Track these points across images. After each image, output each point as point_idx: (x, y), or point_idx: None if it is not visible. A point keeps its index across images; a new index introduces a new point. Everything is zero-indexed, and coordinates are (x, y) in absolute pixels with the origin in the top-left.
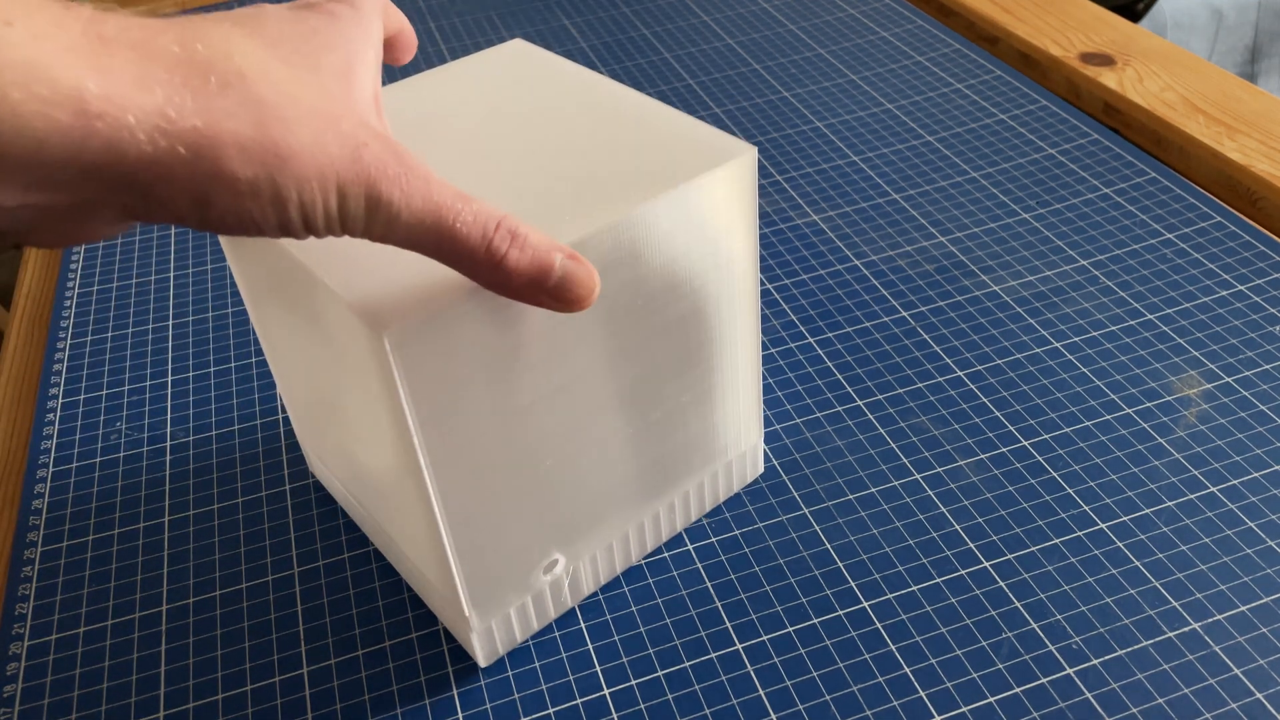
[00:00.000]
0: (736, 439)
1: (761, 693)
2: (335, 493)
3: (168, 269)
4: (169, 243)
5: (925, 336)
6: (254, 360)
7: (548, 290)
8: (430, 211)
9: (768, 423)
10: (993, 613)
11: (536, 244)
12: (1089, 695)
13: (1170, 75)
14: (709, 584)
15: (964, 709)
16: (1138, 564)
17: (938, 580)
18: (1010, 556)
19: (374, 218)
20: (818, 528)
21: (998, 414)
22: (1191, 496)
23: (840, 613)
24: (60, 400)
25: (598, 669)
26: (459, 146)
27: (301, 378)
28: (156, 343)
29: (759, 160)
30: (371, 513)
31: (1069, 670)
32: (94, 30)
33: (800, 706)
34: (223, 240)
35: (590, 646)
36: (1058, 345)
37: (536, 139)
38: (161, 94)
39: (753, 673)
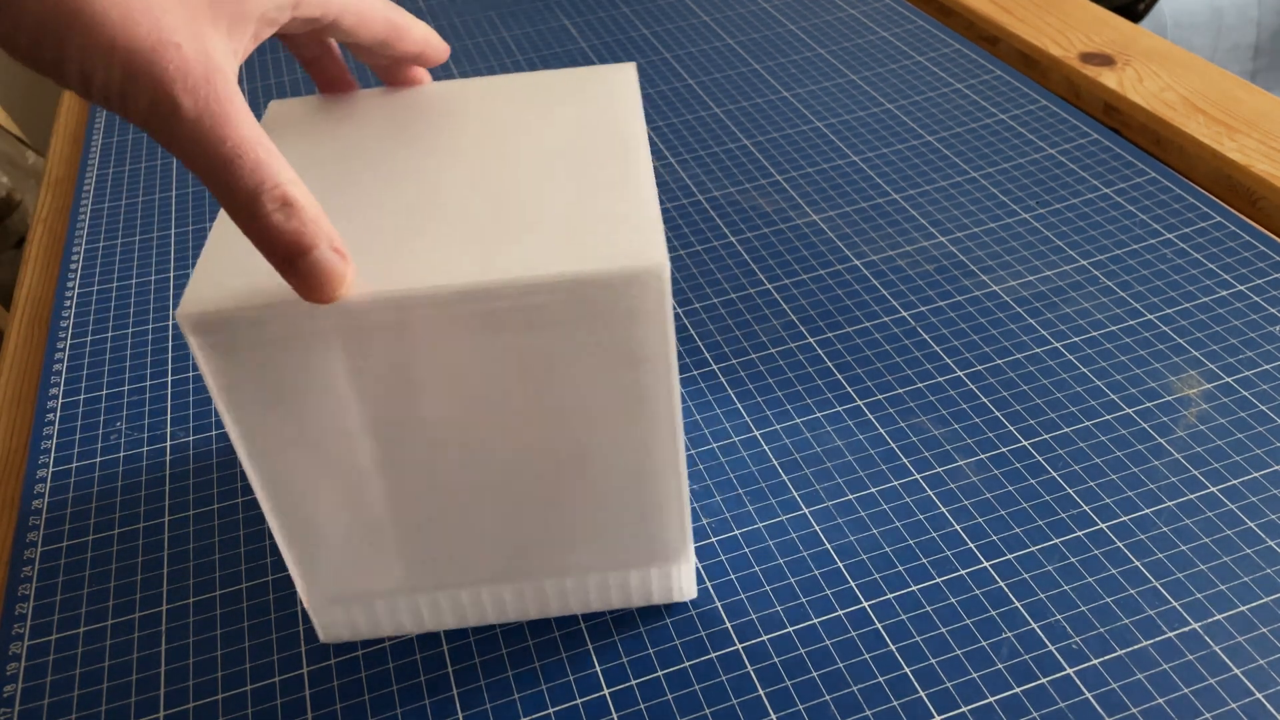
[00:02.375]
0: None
1: (761, 693)
2: (412, 619)
3: (168, 269)
4: (169, 243)
5: (925, 336)
6: None
7: (296, 270)
8: (213, 140)
9: (767, 423)
10: (993, 613)
11: (309, 221)
12: (1089, 695)
13: (1170, 75)
14: (709, 584)
15: (964, 709)
16: (1138, 564)
17: (938, 580)
18: (1010, 556)
19: (155, 116)
20: (817, 528)
21: (998, 414)
22: (1191, 496)
23: (840, 613)
24: (60, 400)
25: (597, 669)
26: (405, 189)
27: (387, 483)
28: (156, 343)
29: (759, 159)
30: (525, 561)
31: (1069, 670)
32: None
33: (800, 706)
34: (205, 372)
35: (590, 646)
36: (1058, 345)
37: (450, 161)
38: None
39: (752, 672)
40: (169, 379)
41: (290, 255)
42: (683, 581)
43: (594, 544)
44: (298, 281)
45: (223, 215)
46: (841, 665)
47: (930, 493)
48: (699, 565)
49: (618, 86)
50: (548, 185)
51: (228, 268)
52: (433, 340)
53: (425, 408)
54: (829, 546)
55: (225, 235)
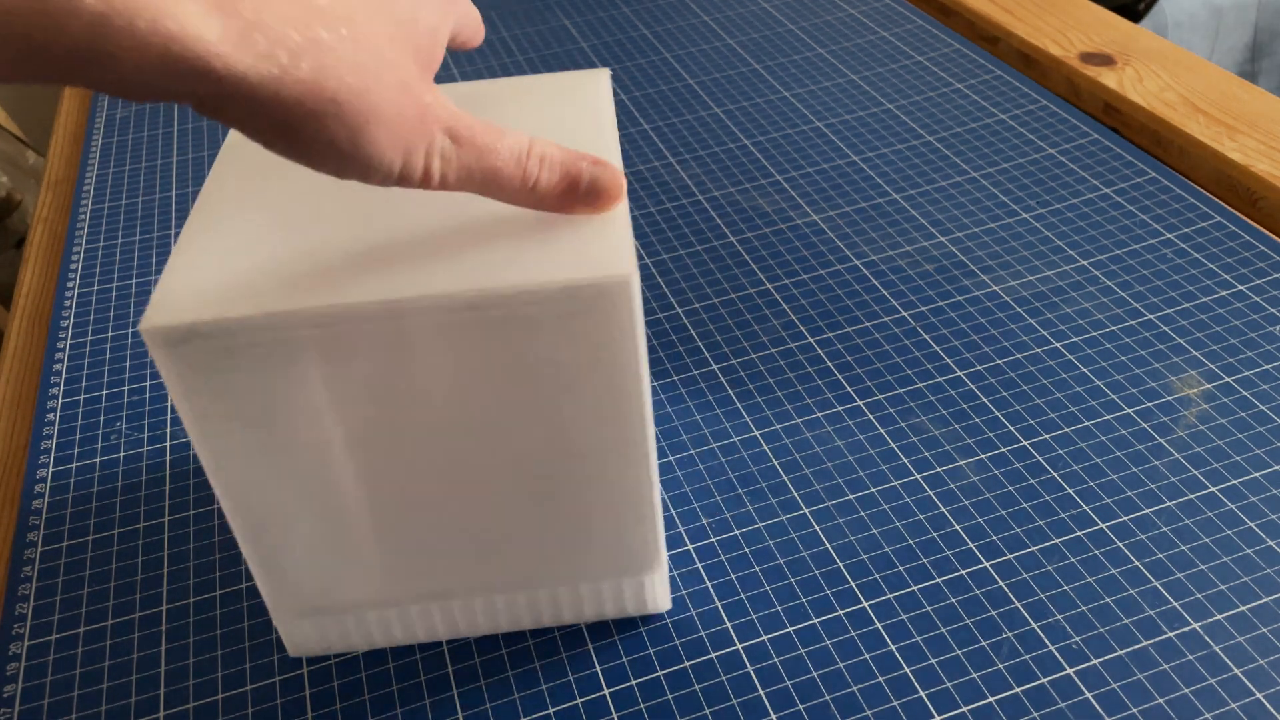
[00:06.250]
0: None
1: (762, 693)
2: (374, 631)
3: None
4: (169, 243)
5: (925, 336)
6: None
7: (581, 198)
8: (476, 152)
9: (767, 423)
10: (993, 613)
11: (562, 160)
12: (1089, 695)
13: (1170, 75)
14: (708, 584)
15: (964, 709)
16: (1138, 564)
17: (938, 580)
18: (1010, 556)
19: (448, 166)
20: (818, 528)
21: (998, 414)
22: (1191, 496)
23: (840, 613)
24: (60, 400)
25: (598, 669)
26: None
27: (354, 490)
28: None
29: (759, 159)
30: (500, 572)
31: (1069, 670)
32: None
33: (800, 706)
34: (173, 389)
35: (590, 646)
36: (1058, 345)
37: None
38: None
39: (752, 673)
40: None
41: (569, 193)
42: (656, 592)
43: (569, 554)
44: (587, 207)
45: (190, 222)
46: (841, 665)
47: (930, 493)
48: (701, 566)
49: (591, 93)
50: None
51: (195, 277)
52: (408, 348)
53: (400, 416)
54: (829, 546)
55: (192, 244)
